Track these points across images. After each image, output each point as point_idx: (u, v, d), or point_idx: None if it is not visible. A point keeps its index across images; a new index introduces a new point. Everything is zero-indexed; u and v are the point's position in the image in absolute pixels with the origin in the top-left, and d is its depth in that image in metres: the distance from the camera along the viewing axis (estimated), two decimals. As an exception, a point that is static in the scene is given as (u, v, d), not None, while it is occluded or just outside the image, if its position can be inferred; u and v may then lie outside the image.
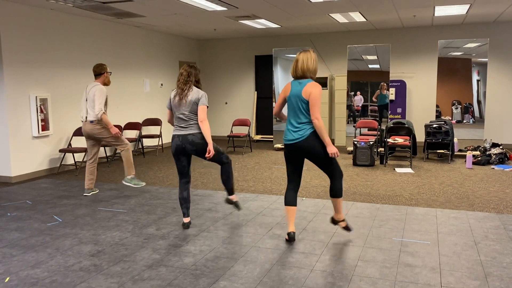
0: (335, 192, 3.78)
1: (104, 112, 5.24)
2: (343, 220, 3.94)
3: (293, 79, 3.73)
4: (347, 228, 3.96)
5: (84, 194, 5.58)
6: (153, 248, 3.73)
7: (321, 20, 8.55)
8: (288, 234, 3.79)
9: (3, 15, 6.31)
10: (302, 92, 3.57)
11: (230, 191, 4.39)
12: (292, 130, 3.66)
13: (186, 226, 4.25)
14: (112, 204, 5.14)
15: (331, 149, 3.57)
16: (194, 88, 4.06)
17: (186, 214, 4.27)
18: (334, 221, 3.97)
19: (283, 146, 9.91)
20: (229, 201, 4.46)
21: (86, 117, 5.37)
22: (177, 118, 4.09)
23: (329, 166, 3.68)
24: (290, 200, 3.80)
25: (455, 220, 4.40)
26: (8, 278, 3.15)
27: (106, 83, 5.43)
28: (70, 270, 3.29)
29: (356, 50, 9.13)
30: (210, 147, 3.99)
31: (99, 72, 5.40)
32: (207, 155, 4.01)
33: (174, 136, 4.10)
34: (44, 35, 6.98)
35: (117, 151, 5.29)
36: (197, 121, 4.04)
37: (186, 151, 4.08)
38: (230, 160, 4.30)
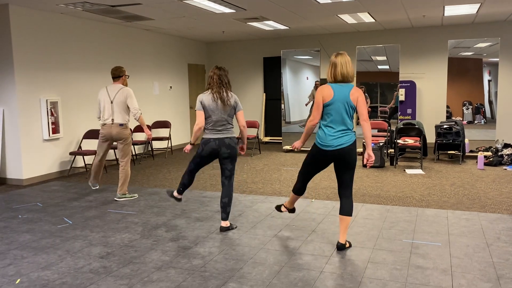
0: (350, 208, 3.58)
1: (141, 112, 5.32)
2: (346, 243, 3.68)
3: (330, 82, 3.57)
4: (350, 246, 3.74)
5: (94, 188, 5.69)
6: (162, 250, 3.73)
7: (329, 21, 8.53)
8: (290, 210, 4.14)
9: (14, 20, 6.38)
10: (351, 97, 3.47)
11: (228, 215, 4.19)
12: (335, 136, 3.50)
13: (179, 200, 4.50)
14: (121, 206, 5.16)
15: (370, 152, 3.54)
16: (230, 92, 4.09)
17: (181, 192, 4.45)
18: (342, 247, 3.63)
19: (291, 148, 9.90)
20: (225, 229, 4.20)
21: (113, 120, 5.32)
22: (213, 121, 4.04)
23: (351, 176, 3.58)
24: (302, 190, 3.87)
25: (467, 222, 4.35)
26: (18, 280, 3.18)
27: (124, 86, 5.45)
28: (80, 272, 3.31)
29: (365, 51, 9.08)
30: (245, 146, 4.35)
31: (118, 74, 5.41)
32: (241, 151, 4.31)
33: (209, 140, 4.05)
34: (54, 39, 7.05)
35: (119, 163, 5.32)
36: (232, 125, 4.12)
37: (219, 154, 4.08)
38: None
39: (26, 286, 3.08)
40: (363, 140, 7.61)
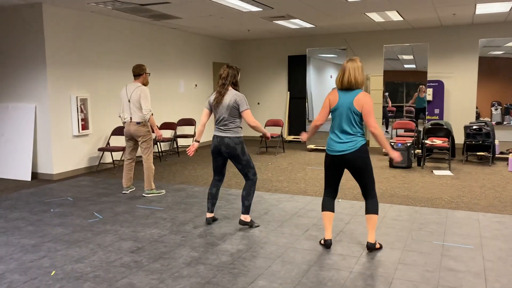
0: (375, 206, 3.56)
1: (152, 114, 5.36)
2: (376, 242, 3.63)
3: (338, 88, 3.59)
4: (380, 247, 3.71)
5: (123, 192, 5.71)
6: (191, 246, 3.77)
7: (356, 19, 8.44)
8: (325, 241, 3.70)
9: (47, 19, 6.54)
10: (354, 103, 3.45)
11: (247, 210, 4.20)
12: (339, 141, 3.52)
13: (208, 221, 4.35)
14: (149, 202, 5.24)
15: (394, 154, 3.50)
16: (231, 90, 4.08)
17: (209, 210, 4.36)
18: (372, 246, 3.59)
19: (317, 147, 9.89)
20: (243, 222, 4.25)
21: (131, 118, 5.41)
22: (217, 120, 4.14)
23: (368, 179, 3.55)
24: (328, 206, 3.71)
25: (499, 225, 4.25)
26: (54, 272, 3.26)
27: (145, 84, 5.49)
28: (112, 265, 3.38)
29: (392, 50, 8.96)
30: (268, 134, 4.35)
31: (139, 72, 5.48)
32: (266, 139, 4.36)
33: (214, 136, 4.18)
34: (84, 37, 7.20)
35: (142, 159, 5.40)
36: (236, 124, 4.09)
37: (221, 152, 4.14)
38: (256, 178, 4.24)
39: (61, 277, 3.16)
40: (390, 140, 7.51)
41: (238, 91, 4.14)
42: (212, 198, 4.33)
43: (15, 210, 4.97)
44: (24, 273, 3.25)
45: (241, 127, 4.14)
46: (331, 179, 3.69)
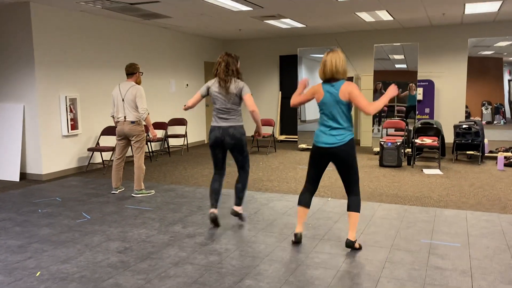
0: (357, 204, 3.56)
1: (148, 113, 5.32)
2: (355, 241, 3.59)
3: (321, 81, 3.58)
4: (360, 248, 3.66)
5: (112, 192, 5.67)
6: (179, 246, 3.75)
7: (347, 19, 8.46)
8: (295, 235, 3.73)
9: (35, 17, 6.49)
10: (340, 95, 3.44)
11: (240, 201, 4.24)
12: (328, 134, 3.50)
13: (213, 216, 4.14)
14: (138, 202, 5.21)
15: (392, 90, 3.47)
16: (234, 79, 4.02)
17: (214, 205, 4.20)
18: (350, 243, 3.57)
19: (308, 147, 9.90)
20: (236, 213, 4.25)
21: (125, 117, 5.38)
22: (217, 110, 4.05)
23: (353, 175, 3.54)
24: (306, 201, 3.71)
25: (487, 223, 4.28)
26: (39, 273, 3.23)
27: (137, 83, 5.46)
28: (99, 266, 3.35)
29: (382, 50, 8.99)
30: (261, 131, 4.28)
31: (132, 71, 5.44)
32: (257, 136, 4.28)
33: (214, 128, 4.05)
34: (74, 37, 7.15)
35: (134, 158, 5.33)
36: (238, 112, 4.05)
37: (224, 144, 4.05)
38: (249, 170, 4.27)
39: (46, 278, 3.13)
40: (380, 140, 7.54)
41: (241, 79, 4.07)
42: (216, 194, 4.20)
43: (2, 211, 4.92)
44: (8, 274, 3.22)
45: (241, 115, 4.12)
46: (313, 171, 3.67)
